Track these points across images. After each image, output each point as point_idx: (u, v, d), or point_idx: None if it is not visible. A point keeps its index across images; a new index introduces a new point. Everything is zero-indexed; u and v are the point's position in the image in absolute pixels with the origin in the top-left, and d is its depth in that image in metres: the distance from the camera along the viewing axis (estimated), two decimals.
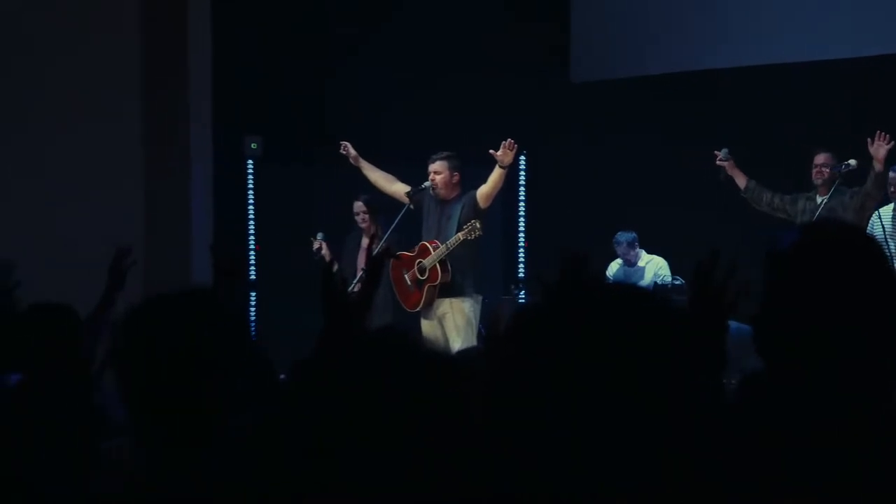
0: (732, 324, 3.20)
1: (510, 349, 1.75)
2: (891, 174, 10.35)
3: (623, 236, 13.12)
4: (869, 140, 10.25)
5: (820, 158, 10.64)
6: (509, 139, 10.35)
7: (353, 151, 11.15)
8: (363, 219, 11.49)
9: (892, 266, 2.66)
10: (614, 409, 1.66)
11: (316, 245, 12.22)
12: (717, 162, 11.01)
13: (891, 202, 10.44)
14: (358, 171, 11.14)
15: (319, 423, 2.03)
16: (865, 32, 12.96)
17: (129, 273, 6.17)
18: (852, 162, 10.42)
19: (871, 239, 2.80)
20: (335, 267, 11.66)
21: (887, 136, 10.20)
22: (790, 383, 2.44)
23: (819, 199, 10.58)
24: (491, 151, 10.41)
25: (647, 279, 12.92)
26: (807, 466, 2.25)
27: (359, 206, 11.49)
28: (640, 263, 13.17)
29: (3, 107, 11.27)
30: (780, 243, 2.57)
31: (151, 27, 12.28)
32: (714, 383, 2.30)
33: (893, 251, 9.50)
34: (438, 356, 2.14)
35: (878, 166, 10.19)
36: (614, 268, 13.26)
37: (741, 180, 11.03)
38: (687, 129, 13.04)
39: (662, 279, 12.73)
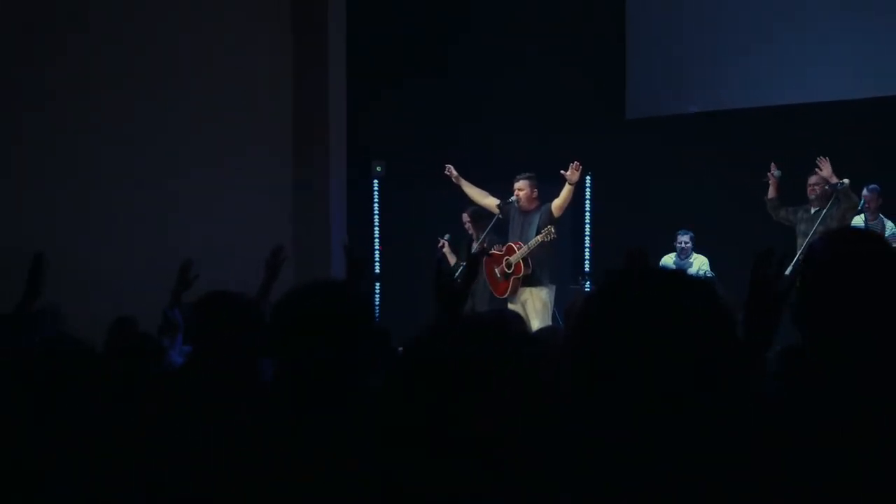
0: None
1: (584, 322, 1.71)
2: (864, 192, 10.53)
3: (688, 234, 13.06)
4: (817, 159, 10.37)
5: (813, 179, 10.57)
6: (576, 161, 10.32)
7: (454, 172, 11.10)
8: (469, 226, 11.50)
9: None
10: (670, 372, 1.61)
11: (441, 243, 12.25)
12: (769, 173, 10.90)
13: (863, 214, 10.64)
14: (459, 188, 11.13)
15: (429, 386, 2.00)
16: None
17: (282, 267, 6.17)
18: (846, 181, 10.31)
19: (885, 243, 2.74)
20: (453, 261, 11.72)
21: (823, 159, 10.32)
22: (823, 355, 2.38)
23: (813, 211, 10.50)
24: (562, 172, 10.37)
25: (693, 270, 12.92)
26: (837, 423, 2.18)
27: (465, 216, 11.51)
28: (690, 259, 13.11)
29: (191, 146, 11.36)
30: (814, 247, 2.54)
31: (300, 71, 12.36)
32: (762, 359, 2.22)
33: None
34: (526, 337, 2.11)
35: (831, 179, 10.28)
36: (668, 260, 13.19)
37: (772, 192, 10.91)
38: (725, 161, 12.85)
39: (704, 272, 12.71)
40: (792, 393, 2.29)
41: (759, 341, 2.62)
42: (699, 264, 12.96)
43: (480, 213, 11.17)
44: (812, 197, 10.57)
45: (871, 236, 2.70)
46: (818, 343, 2.41)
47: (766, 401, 1.96)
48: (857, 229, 2.57)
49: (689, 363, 1.60)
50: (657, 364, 1.60)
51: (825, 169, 10.24)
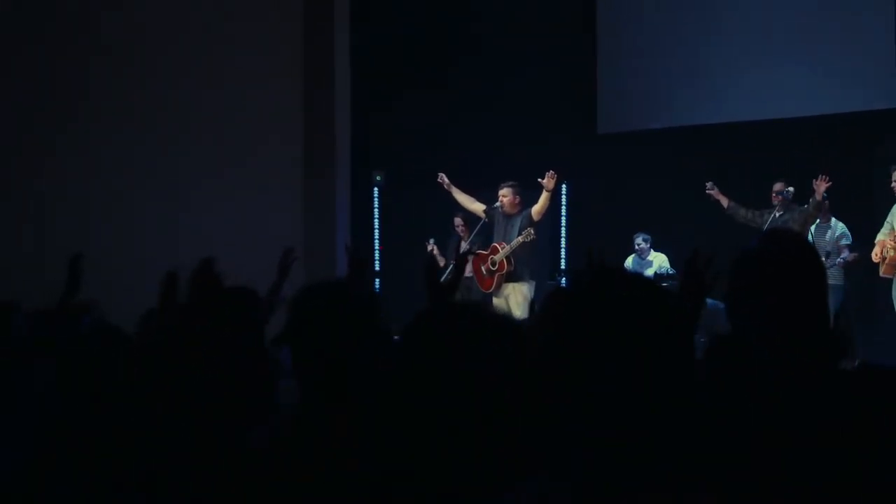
0: (709, 300, 3.23)
1: (545, 317, 1.75)
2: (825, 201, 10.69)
3: (642, 235, 13.13)
4: (814, 179, 10.40)
5: (777, 186, 10.74)
6: (551, 171, 10.38)
7: (446, 180, 11.17)
8: (461, 229, 11.54)
9: (821, 262, 2.67)
10: (624, 357, 1.65)
11: (429, 247, 12.27)
12: (706, 191, 11.07)
13: (818, 220, 10.85)
14: (449, 194, 11.16)
15: (423, 368, 2.03)
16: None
17: (292, 267, 6.18)
18: (791, 189, 10.53)
19: (807, 242, 2.81)
20: (442, 262, 11.74)
21: (826, 177, 10.37)
22: (750, 342, 2.44)
23: (777, 214, 10.61)
24: (539, 180, 10.43)
25: (653, 268, 12.96)
26: (762, 405, 2.24)
27: (458, 220, 11.55)
28: (650, 258, 13.15)
29: (207, 156, 11.29)
30: (746, 246, 2.60)
31: (309, 83, 12.34)
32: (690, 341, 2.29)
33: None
34: (503, 320, 2.15)
35: (818, 196, 10.39)
36: (630, 260, 13.24)
37: (724, 201, 11.06)
38: (688, 171, 12.90)
39: (663, 269, 12.75)
40: (717, 376, 2.34)
41: (689, 316, 2.79)
42: (658, 262, 13.02)
43: (471, 218, 11.23)
44: (776, 203, 10.73)
45: (794, 238, 2.76)
46: (741, 332, 2.48)
47: (698, 383, 2.01)
48: (782, 231, 2.62)
49: (635, 349, 1.64)
50: (608, 355, 1.64)
51: (822, 186, 10.36)
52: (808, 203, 10.55)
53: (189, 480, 2.46)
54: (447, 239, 12.19)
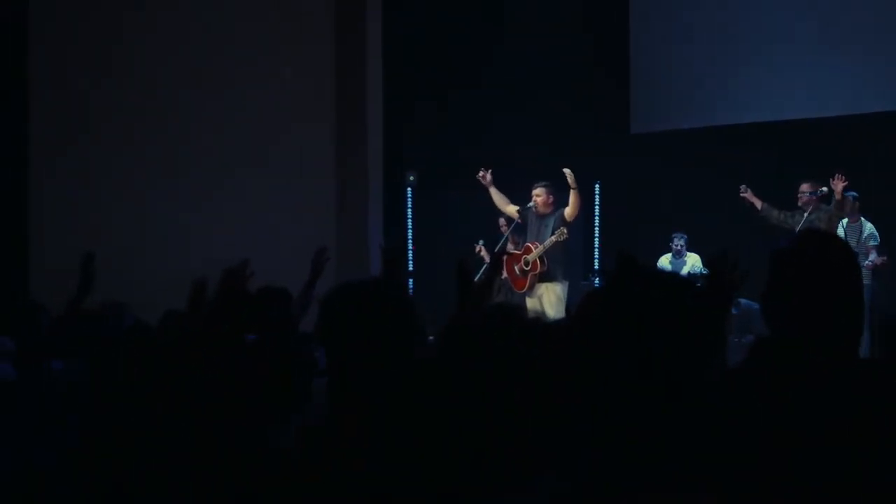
0: (744, 301, 3.22)
1: (583, 317, 1.75)
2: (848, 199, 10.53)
3: (679, 235, 13.14)
4: (831, 178, 10.29)
5: (803, 186, 10.61)
6: (566, 168, 10.36)
7: (488, 178, 10.93)
8: (505, 229, 11.41)
9: (857, 260, 2.65)
10: (655, 355, 1.64)
11: (477, 248, 12.24)
12: (741, 195, 10.97)
13: (845, 218, 10.63)
14: (485, 192, 11.04)
15: (459, 363, 2.04)
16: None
17: (325, 266, 6.21)
18: (824, 189, 10.40)
19: (842, 241, 2.79)
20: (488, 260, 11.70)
21: (843, 176, 10.25)
22: (790, 344, 2.42)
23: (804, 214, 10.51)
24: (565, 169, 10.41)
25: (687, 268, 12.97)
26: (802, 403, 2.23)
27: (502, 220, 11.47)
28: (685, 258, 13.16)
29: (244, 156, 11.35)
30: (779, 246, 2.58)
31: (341, 87, 12.39)
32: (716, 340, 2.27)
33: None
34: (535, 321, 2.15)
35: (837, 196, 10.29)
36: (665, 259, 13.24)
37: (757, 203, 10.93)
38: (722, 170, 12.83)
39: (697, 269, 12.76)
40: (759, 375, 2.33)
41: (719, 327, 2.76)
42: (692, 262, 13.04)
43: (511, 219, 11.17)
44: (801, 203, 10.62)
45: (828, 237, 2.74)
46: (779, 333, 2.46)
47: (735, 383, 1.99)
48: (815, 232, 2.59)
49: (663, 356, 1.63)
50: (644, 355, 1.64)
51: (839, 185, 10.24)
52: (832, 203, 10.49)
53: (212, 480, 2.47)
54: (490, 239, 12.13)
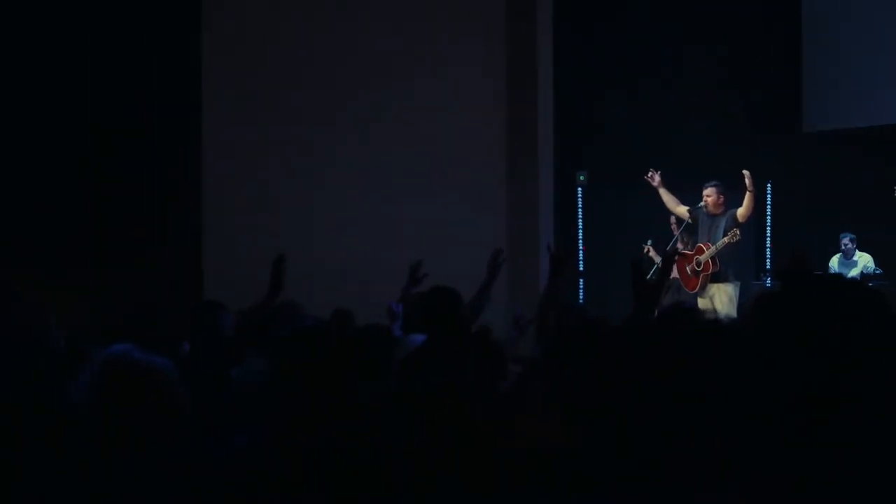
0: None
1: (754, 317, 1.74)
2: None
3: (848, 235, 12.85)
4: None
5: None
6: (746, 171, 10.22)
7: (658, 179, 10.87)
8: (675, 228, 11.30)
9: None
10: (828, 359, 1.63)
11: (646, 248, 12.16)
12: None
13: None
14: (655, 192, 10.98)
15: (635, 358, 2.06)
16: None
17: (501, 267, 6.28)
18: None
19: None
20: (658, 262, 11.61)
21: None
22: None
23: None
24: (744, 171, 10.27)
25: (858, 268, 12.67)
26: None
27: (673, 219, 11.37)
28: (855, 258, 12.85)
29: (416, 160, 11.50)
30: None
31: (512, 90, 12.46)
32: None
33: None
34: (711, 320, 2.16)
35: None
36: (835, 259, 12.95)
37: None
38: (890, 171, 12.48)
39: (869, 269, 12.47)
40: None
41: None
42: (864, 262, 12.73)
43: (681, 219, 11.09)
44: None
45: None
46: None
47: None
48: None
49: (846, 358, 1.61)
50: (818, 360, 1.63)
51: None
52: None
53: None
54: (658, 238, 12.04)
